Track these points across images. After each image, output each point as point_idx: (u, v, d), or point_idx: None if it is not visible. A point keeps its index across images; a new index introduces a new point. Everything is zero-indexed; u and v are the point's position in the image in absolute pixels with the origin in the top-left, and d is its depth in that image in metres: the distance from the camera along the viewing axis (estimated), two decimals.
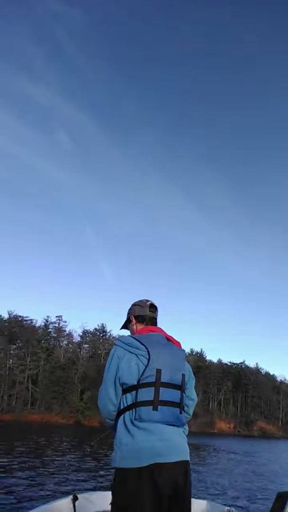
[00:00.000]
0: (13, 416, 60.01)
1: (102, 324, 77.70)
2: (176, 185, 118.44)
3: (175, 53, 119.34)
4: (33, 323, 73.96)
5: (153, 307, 2.16)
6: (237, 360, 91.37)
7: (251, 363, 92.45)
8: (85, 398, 64.63)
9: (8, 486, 7.14)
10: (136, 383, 1.79)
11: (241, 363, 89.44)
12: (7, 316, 71.45)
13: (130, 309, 2.19)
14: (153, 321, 2.14)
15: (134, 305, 2.18)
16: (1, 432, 27.87)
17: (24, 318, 72.88)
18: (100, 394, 1.90)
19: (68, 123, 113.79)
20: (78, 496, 3.02)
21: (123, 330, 2.25)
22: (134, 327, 2.11)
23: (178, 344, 2.09)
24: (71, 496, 3.00)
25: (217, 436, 60.49)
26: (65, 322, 77.21)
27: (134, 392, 1.79)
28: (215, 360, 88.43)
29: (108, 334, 78.04)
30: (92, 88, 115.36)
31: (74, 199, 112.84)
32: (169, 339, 2.04)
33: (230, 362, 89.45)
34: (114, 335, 78.58)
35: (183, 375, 1.92)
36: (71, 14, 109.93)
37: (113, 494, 1.75)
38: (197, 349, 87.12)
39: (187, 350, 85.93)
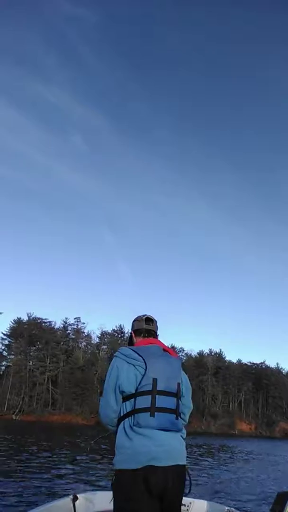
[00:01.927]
0: (34, 417, 60.83)
1: (120, 325, 78.03)
2: (191, 185, 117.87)
3: (186, 52, 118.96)
4: (52, 325, 74.93)
5: (149, 320, 2.30)
6: (257, 360, 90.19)
7: (271, 363, 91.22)
8: None
9: (8, 486, 7.17)
10: (134, 392, 1.94)
11: (261, 363, 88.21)
12: (27, 318, 72.62)
13: (131, 326, 2.36)
14: (150, 333, 2.27)
15: (133, 321, 2.35)
16: (19, 432, 28.28)
17: (43, 320, 73.93)
18: (101, 403, 2.06)
19: (81, 124, 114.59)
20: (78, 496, 3.04)
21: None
22: (134, 340, 2.26)
23: (175, 354, 2.21)
24: (71, 496, 3.02)
25: (238, 437, 59.73)
26: (84, 323, 77.97)
27: (132, 400, 1.94)
28: (234, 360, 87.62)
29: (126, 335, 78.19)
30: (104, 89, 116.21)
31: (91, 201, 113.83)
32: (165, 350, 2.17)
33: (250, 362, 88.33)
34: None
35: (179, 383, 2.06)
36: (82, 15, 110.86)
37: (113, 493, 1.92)
38: (216, 349, 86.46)
39: (206, 350, 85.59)
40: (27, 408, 63.83)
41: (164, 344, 2.21)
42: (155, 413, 1.91)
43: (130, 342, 2.35)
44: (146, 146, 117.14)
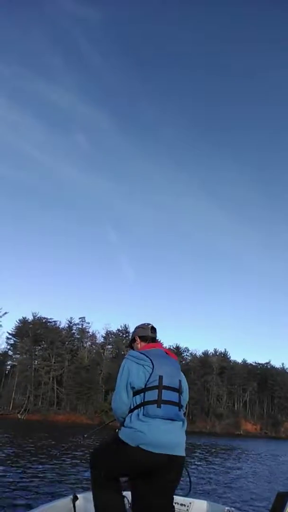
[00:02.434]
0: (39, 416, 61.06)
1: (125, 325, 78.11)
2: (196, 184, 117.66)
3: (192, 50, 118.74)
4: (57, 325, 75.17)
5: (153, 329, 2.73)
6: (262, 360, 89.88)
7: (277, 364, 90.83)
8: (109, 399, 64.92)
9: (9, 485, 7.17)
10: (143, 387, 2.29)
11: (266, 363, 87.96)
12: (32, 318, 72.90)
13: (134, 331, 2.77)
14: (153, 340, 2.70)
15: (137, 328, 2.76)
16: (24, 431, 28.40)
17: (48, 320, 74.17)
18: (115, 397, 2.39)
19: (85, 124, 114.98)
20: (78, 496, 3.04)
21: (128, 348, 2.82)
22: (139, 345, 2.67)
23: (175, 357, 2.61)
24: (71, 496, 3.03)
25: (243, 437, 59.52)
26: (88, 323, 78.17)
27: (142, 394, 2.29)
28: (239, 360, 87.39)
29: (131, 334, 78.16)
30: (109, 88, 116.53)
31: (95, 200, 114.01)
32: (167, 352, 2.55)
33: (255, 362, 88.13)
34: None
35: (180, 380, 2.43)
36: (87, 15, 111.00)
37: (112, 442, 2.34)
38: (220, 349, 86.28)
39: (211, 350, 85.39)
40: (33, 407, 64.07)
41: (165, 348, 2.58)
42: (162, 404, 2.26)
43: (131, 345, 2.75)
44: (150, 145, 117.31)
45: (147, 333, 2.69)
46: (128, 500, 2.64)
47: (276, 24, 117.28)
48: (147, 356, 2.37)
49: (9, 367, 72.77)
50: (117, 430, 2.35)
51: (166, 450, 2.20)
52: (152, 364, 2.33)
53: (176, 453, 2.24)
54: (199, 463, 14.87)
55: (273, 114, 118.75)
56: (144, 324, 2.74)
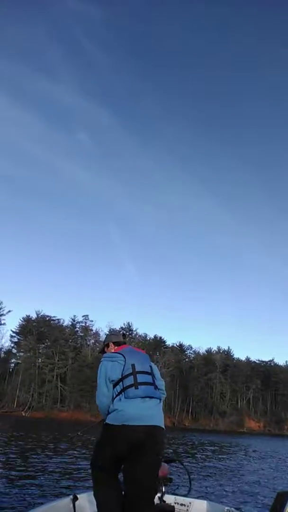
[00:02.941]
0: (43, 413, 61.32)
1: (128, 323, 78.23)
2: (200, 183, 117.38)
3: (196, 48, 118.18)
4: (61, 323, 75.37)
5: (124, 336, 3.30)
6: (265, 358, 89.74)
7: (280, 361, 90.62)
8: None
9: (9, 485, 7.17)
10: (120, 377, 2.68)
11: (270, 360, 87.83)
12: (35, 316, 73.13)
13: (107, 338, 3.26)
14: (123, 344, 3.17)
15: (110, 335, 3.31)
16: (27, 428, 28.56)
17: (52, 318, 74.40)
18: (97, 393, 2.75)
19: (88, 122, 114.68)
20: (78, 496, 3.07)
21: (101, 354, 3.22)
22: (112, 349, 3.11)
23: (143, 351, 3.09)
24: (71, 496, 3.06)
25: (247, 435, 59.52)
26: (92, 321, 78.24)
27: (121, 382, 2.67)
28: (243, 358, 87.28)
29: (134, 332, 78.49)
30: (111, 86, 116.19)
31: (97, 198, 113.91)
32: (135, 349, 3.02)
33: (259, 360, 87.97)
34: (140, 334, 79.12)
35: (150, 366, 2.85)
36: (88, 11, 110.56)
37: (99, 438, 2.67)
38: (224, 347, 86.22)
39: (214, 348, 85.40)
40: (36, 405, 64.35)
41: (132, 347, 3.06)
42: (138, 386, 2.64)
43: (102, 350, 3.20)
44: (152, 143, 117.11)
45: (119, 339, 3.20)
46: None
47: (277, 21, 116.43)
48: (119, 353, 2.83)
49: (13, 365, 73.02)
50: (103, 422, 2.68)
51: (147, 422, 2.54)
52: (124, 357, 2.77)
53: (156, 423, 2.58)
54: (200, 461, 14.87)
55: (275, 111, 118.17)
56: (116, 331, 3.50)
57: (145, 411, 2.57)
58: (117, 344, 3.16)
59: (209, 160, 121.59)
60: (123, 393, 2.62)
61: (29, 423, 39.85)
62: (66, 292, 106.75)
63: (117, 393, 2.64)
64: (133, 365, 2.71)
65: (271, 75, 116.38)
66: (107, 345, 3.19)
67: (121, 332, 3.30)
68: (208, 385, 77.72)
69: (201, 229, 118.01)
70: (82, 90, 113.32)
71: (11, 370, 71.09)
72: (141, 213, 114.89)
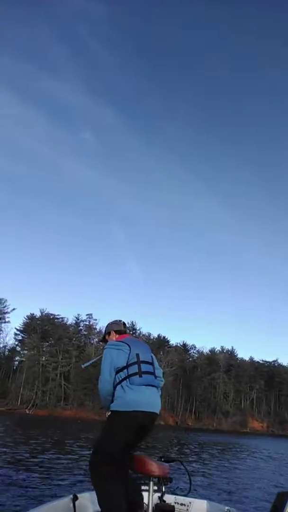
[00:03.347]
0: (47, 411, 61.55)
1: (132, 322, 78.16)
2: (202, 182, 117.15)
3: (200, 46, 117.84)
4: (65, 321, 75.57)
5: (124, 324, 3.37)
6: (269, 358, 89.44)
7: (284, 361, 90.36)
8: None
9: (9, 485, 7.17)
10: (125, 365, 2.84)
11: (273, 361, 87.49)
12: (39, 314, 73.36)
13: (108, 326, 3.34)
14: (125, 333, 3.29)
15: (112, 323, 3.35)
16: (30, 426, 28.67)
17: (56, 316, 74.60)
18: (100, 379, 2.86)
19: (92, 121, 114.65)
20: (78, 496, 3.07)
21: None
22: (113, 338, 3.21)
23: (142, 341, 3.44)
24: (71, 496, 3.06)
25: (250, 435, 59.35)
26: (96, 320, 78.39)
27: (125, 370, 2.84)
28: (246, 358, 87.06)
29: (138, 331, 78.48)
30: (115, 85, 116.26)
31: (101, 197, 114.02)
32: (137, 339, 3.26)
33: (262, 360, 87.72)
34: (143, 333, 79.08)
35: (151, 356, 3.03)
36: (92, 9, 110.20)
37: (106, 424, 2.83)
38: (228, 347, 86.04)
39: (218, 348, 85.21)
40: (40, 403, 64.62)
41: (134, 337, 3.33)
42: (142, 374, 2.84)
43: (103, 339, 3.31)
44: (156, 142, 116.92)
45: (120, 328, 3.29)
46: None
47: (279, 20, 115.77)
48: (123, 342, 2.97)
49: (17, 362, 73.36)
50: (107, 414, 2.85)
51: (151, 408, 2.81)
52: (129, 346, 2.92)
53: (156, 411, 2.88)
54: (201, 461, 14.84)
55: (275, 110, 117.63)
56: (117, 320, 3.34)
57: (150, 398, 2.82)
58: (118, 332, 3.27)
59: (210, 159, 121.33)
60: (127, 380, 2.80)
61: (33, 421, 40.01)
62: (70, 291, 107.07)
63: (120, 379, 2.81)
64: (137, 355, 2.89)
65: (272, 74, 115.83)
66: (109, 333, 3.29)
67: (121, 321, 3.36)
68: (211, 385, 77.62)
69: (203, 228, 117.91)
70: (86, 89, 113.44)
71: (15, 368, 71.39)
72: (144, 212, 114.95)
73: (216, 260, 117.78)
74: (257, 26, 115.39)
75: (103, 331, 3.46)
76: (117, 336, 3.23)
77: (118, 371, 2.85)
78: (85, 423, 43.15)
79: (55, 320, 74.18)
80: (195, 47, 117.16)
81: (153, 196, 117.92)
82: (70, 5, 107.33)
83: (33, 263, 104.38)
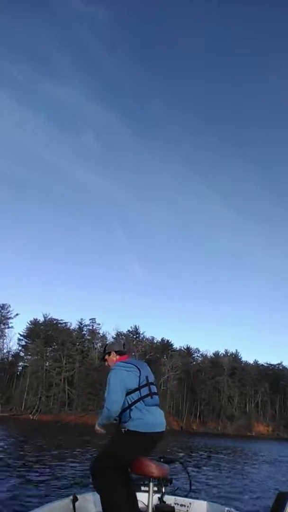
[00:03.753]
0: (51, 417, 61.33)
1: (135, 326, 78.10)
2: (204, 183, 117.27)
3: (201, 48, 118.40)
4: (68, 326, 75.46)
5: (124, 345, 3.55)
6: (274, 361, 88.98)
7: None
8: None
9: (9, 485, 7.18)
10: (137, 386, 3.02)
11: (278, 364, 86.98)
12: (43, 319, 73.38)
13: (109, 346, 3.47)
14: (124, 353, 3.44)
15: (112, 344, 3.53)
16: (34, 431, 28.61)
17: (59, 321, 74.55)
18: (110, 400, 2.97)
19: (94, 124, 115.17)
20: (78, 496, 3.09)
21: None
22: (114, 358, 3.36)
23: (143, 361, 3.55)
24: (71, 497, 3.07)
25: (255, 439, 58.95)
26: (99, 324, 78.30)
27: (138, 392, 3.01)
28: (251, 361, 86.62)
29: (142, 335, 78.35)
30: (118, 87, 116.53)
31: (103, 200, 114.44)
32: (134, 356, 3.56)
33: (267, 363, 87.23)
34: (147, 337, 78.89)
35: (153, 376, 3.22)
36: (93, 13, 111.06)
37: (122, 439, 2.97)
38: (232, 350, 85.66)
39: (222, 351, 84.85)
40: (44, 408, 64.47)
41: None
42: (153, 396, 3.06)
43: (103, 358, 3.46)
44: (159, 144, 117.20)
45: (121, 348, 3.43)
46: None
47: (284, 20, 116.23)
48: (132, 364, 3.13)
49: (20, 368, 73.35)
50: (123, 429, 2.98)
51: (162, 428, 3.06)
52: (138, 369, 3.08)
53: (164, 429, 3.09)
54: (202, 463, 14.75)
55: (278, 111, 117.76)
56: (118, 340, 4.01)
57: (162, 419, 3.08)
58: (119, 353, 3.39)
59: (212, 159, 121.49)
60: (142, 401, 2.99)
61: (36, 426, 39.91)
62: (73, 295, 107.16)
63: (133, 400, 2.98)
64: (146, 377, 3.10)
65: (274, 74, 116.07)
66: (109, 353, 3.40)
67: (122, 342, 3.59)
68: (216, 388, 77.22)
69: (207, 230, 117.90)
70: (88, 91, 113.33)
71: (18, 373, 71.39)
72: (147, 214, 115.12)
73: (219, 262, 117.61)
74: (257, 26, 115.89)
75: (107, 341, 3.50)
76: (117, 356, 3.35)
77: (129, 392, 3.00)
78: (90, 428, 42.88)
79: (59, 325, 74.14)
80: (196, 48, 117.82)
81: (155, 198, 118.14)
82: (71, 8, 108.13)
83: (35, 267, 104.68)
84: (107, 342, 3.56)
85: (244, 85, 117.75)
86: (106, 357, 3.41)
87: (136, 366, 3.10)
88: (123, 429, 2.98)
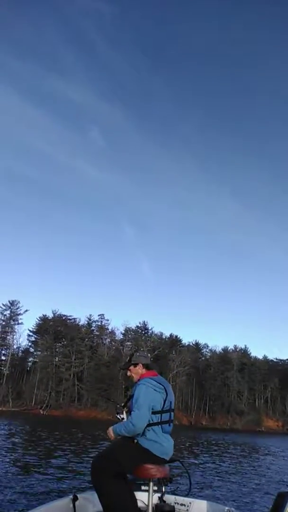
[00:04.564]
0: (61, 412, 61.96)
1: (144, 322, 78.32)
2: (215, 181, 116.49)
3: (210, 45, 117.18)
4: (77, 322, 75.98)
5: (151, 359, 3.44)
6: (283, 356, 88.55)
7: None
8: (129, 395, 65.24)
9: (10, 485, 7.19)
10: (161, 409, 2.99)
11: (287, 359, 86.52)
12: (52, 315, 73.93)
13: (136, 357, 3.27)
14: (151, 368, 3.31)
15: (140, 356, 3.30)
16: (43, 426, 28.89)
17: (68, 317, 75.06)
18: (138, 416, 2.89)
19: (100, 120, 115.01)
20: (78, 496, 3.08)
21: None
22: (140, 370, 3.23)
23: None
24: (71, 496, 3.06)
25: (265, 434, 58.81)
26: (108, 320, 78.70)
27: (159, 414, 2.97)
28: (260, 356, 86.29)
29: (150, 331, 78.50)
30: (123, 84, 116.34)
31: (111, 197, 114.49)
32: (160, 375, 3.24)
33: (276, 359, 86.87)
34: (155, 332, 79.03)
35: (174, 401, 3.17)
36: (99, 8, 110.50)
37: (130, 451, 2.91)
38: (241, 345, 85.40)
39: (231, 346, 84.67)
40: (54, 403, 65.10)
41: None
42: (170, 423, 3.03)
43: (127, 367, 3.27)
44: (168, 142, 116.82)
45: (148, 361, 3.29)
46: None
47: None
48: (161, 384, 3.05)
49: (30, 363, 74.11)
50: (135, 440, 2.94)
51: (168, 457, 3.00)
52: (166, 391, 3.03)
53: (168, 458, 3.04)
54: (206, 461, 14.73)
55: None
56: (144, 353, 3.34)
57: (171, 449, 3.02)
58: (145, 366, 3.26)
59: (223, 157, 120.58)
60: (160, 426, 2.96)
61: (45, 421, 40.32)
62: (82, 292, 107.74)
63: (151, 422, 2.94)
64: (170, 402, 3.05)
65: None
66: (135, 364, 3.25)
67: (148, 355, 3.42)
68: (225, 384, 77.12)
69: (216, 227, 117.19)
70: (95, 88, 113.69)
71: (28, 368, 72.15)
72: (155, 211, 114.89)
73: (230, 258, 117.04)
74: (270, 24, 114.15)
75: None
76: (144, 370, 3.24)
77: (153, 413, 2.95)
78: (99, 423, 43.22)
79: (68, 321, 74.65)
80: (207, 44, 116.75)
81: (164, 195, 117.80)
82: (77, 5, 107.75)
83: (44, 264, 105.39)
84: (135, 353, 3.33)
85: (257, 81, 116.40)
86: (131, 367, 3.26)
87: (164, 388, 3.04)
88: (135, 440, 2.94)
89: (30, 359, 75.03)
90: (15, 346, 73.70)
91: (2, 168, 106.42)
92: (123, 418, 3.16)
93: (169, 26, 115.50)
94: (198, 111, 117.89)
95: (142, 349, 3.38)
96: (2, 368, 68.90)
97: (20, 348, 74.68)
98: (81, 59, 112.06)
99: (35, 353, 74.24)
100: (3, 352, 72.24)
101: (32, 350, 75.11)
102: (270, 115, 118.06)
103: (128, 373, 3.28)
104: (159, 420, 2.95)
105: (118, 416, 3.23)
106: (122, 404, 3.31)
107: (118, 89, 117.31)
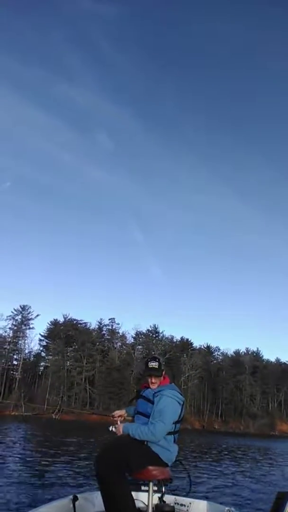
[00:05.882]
0: (73, 416, 62.06)
1: (155, 325, 78.22)
2: (222, 182, 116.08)
3: (215, 46, 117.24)
4: (88, 326, 76.24)
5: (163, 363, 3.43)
6: None
7: None
8: (135, 392, 65.04)
9: (10, 485, 7.21)
10: (177, 420, 3.05)
11: None
12: (63, 319, 74.32)
13: (163, 365, 3.25)
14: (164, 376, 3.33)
15: (162, 362, 3.30)
16: (54, 430, 28.94)
17: (79, 322, 75.38)
18: (163, 430, 2.93)
19: (107, 123, 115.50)
20: (78, 496, 3.08)
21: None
22: (162, 379, 3.22)
23: None
24: (71, 496, 3.07)
25: (277, 438, 57.98)
26: (118, 324, 78.78)
27: (174, 425, 3.03)
28: (272, 359, 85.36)
29: (161, 335, 78.31)
30: (130, 86, 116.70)
31: (120, 200, 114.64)
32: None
33: None
34: (166, 336, 78.84)
35: None
36: (104, 11, 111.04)
37: (140, 453, 2.92)
38: (253, 348, 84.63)
39: (243, 349, 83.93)
40: (66, 408, 65.24)
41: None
42: (179, 434, 3.11)
43: (155, 374, 3.21)
44: (174, 144, 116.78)
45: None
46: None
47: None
48: (183, 397, 3.15)
49: (42, 368, 74.51)
50: (146, 443, 2.95)
51: (172, 462, 3.07)
52: (183, 404, 3.12)
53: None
54: (210, 463, 14.56)
55: None
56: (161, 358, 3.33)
57: (176, 455, 3.10)
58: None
59: (232, 158, 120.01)
60: (173, 436, 3.03)
61: (58, 425, 40.40)
62: (92, 296, 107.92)
63: (168, 432, 2.99)
64: (183, 414, 3.14)
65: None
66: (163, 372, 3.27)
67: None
68: (237, 387, 76.45)
69: (227, 229, 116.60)
70: (102, 91, 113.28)
71: (40, 373, 72.52)
72: (165, 214, 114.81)
73: (239, 261, 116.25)
74: (271, 25, 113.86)
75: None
76: (162, 378, 3.21)
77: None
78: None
79: (78, 325, 74.95)
80: (213, 45, 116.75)
81: (174, 197, 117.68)
82: (81, 7, 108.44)
83: (55, 269, 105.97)
84: (160, 358, 3.26)
85: (261, 84, 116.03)
86: (162, 375, 3.19)
87: (183, 400, 3.14)
88: (145, 443, 2.95)
89: (41, 364, 75.48)
90: (26, 351, 74.28)
91: (15, 175, 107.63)
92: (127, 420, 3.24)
93: (173, 28, 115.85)
94: (205, 112, 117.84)
95: (153, 353, 3.24)
96: (14, 372, 69.45)
97: (32, 353, 75.24)
98: (87, 63, 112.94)
99: (46, 357, 74.67)
100: (15, 357, 72.85)
101: (43, 354, 75.61)
102: (271, 116, 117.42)
103: (150, 380, 3.17)
104: (173, 430, 3.01)
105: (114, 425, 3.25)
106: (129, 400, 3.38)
107: (125, 92, 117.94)
